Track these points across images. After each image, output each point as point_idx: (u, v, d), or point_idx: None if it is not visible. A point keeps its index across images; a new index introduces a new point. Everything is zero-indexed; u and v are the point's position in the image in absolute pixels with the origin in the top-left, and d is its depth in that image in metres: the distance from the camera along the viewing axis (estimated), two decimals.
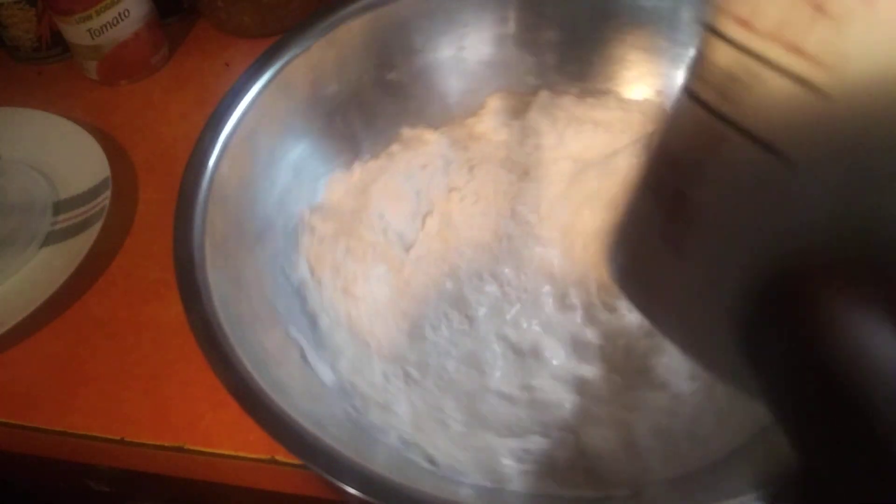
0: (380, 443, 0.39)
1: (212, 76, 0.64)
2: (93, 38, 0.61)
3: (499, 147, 0.52)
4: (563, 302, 0.44)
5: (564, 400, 0.40)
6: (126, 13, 0.60)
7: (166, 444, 0.43)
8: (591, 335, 0.43)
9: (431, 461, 0.38)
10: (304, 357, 0.41)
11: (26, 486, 0.62)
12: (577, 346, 0.42)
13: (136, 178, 0.57)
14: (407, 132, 0.52)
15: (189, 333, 0.35)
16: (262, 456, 0.42)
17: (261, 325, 0.40)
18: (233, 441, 0.42)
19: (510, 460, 0.38)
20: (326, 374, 0.41)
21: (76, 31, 0.60)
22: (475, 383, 0.42)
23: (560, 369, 0.42)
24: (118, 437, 0.44)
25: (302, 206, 0.47)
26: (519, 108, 0.53)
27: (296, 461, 0.41)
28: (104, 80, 0.64)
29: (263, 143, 0.45)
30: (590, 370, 0.41)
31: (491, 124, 0.52)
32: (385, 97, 0.52)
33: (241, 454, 0.42)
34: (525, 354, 0.43)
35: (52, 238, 0.53)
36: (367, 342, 0.43)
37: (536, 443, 0.38)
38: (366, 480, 0.31)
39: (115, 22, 0.60)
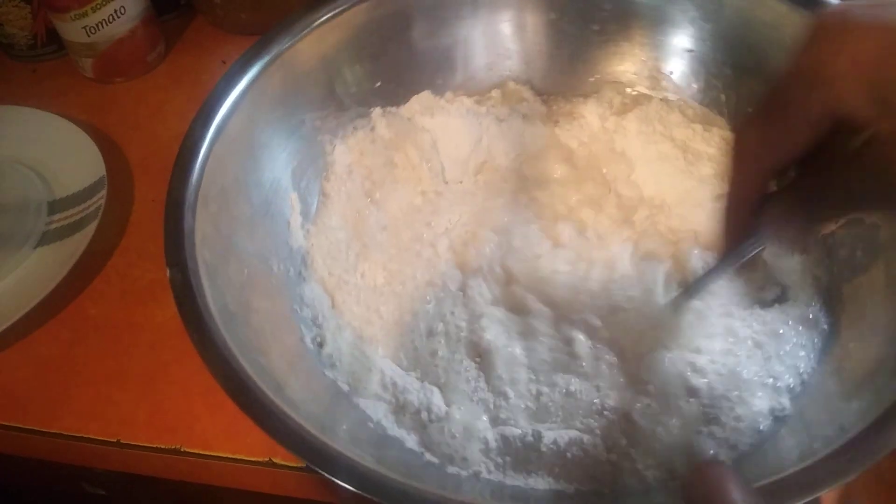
0: (368, 422, 0.39)
1: (208, 74, 0.63)
2: (88, 36, 0.60)
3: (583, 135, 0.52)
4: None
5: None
6: (122, 10, 0.60)
7: (162, 447, 0.43)
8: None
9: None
10: (302, 340, 0.41)
11: (21, 488, 0.62)
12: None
13: (132, 177, 0.57)
14: (512, 85, 0.54)
15: (185, 334, 0.35)
16: (260, 458, 0.41)
17: (259, 311, 0.40)
18: (230, 443, 0.42)
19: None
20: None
21: (72, 29, 0.60)
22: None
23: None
24: (114, 440, 0.43)
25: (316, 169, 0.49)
26: (627, 106, 0.52)
27: (293, 464, 0.41)
28: (100, 77, 0.64)
29: (271, 109, 0.46)
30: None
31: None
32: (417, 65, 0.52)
33: (239, 456, 0.42)
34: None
35: (47, 238, 0.52)
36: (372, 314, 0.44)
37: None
38: (362, 478, 0.30)
39: (110, 19, 0.60)
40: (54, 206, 0.54)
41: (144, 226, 0.53)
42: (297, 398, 0.34)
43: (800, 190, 0.29)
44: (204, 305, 0.35)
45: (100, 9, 0.59)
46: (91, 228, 0.50)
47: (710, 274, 0.39)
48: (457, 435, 0.38)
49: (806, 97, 0.26)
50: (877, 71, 0.24)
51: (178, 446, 0.42)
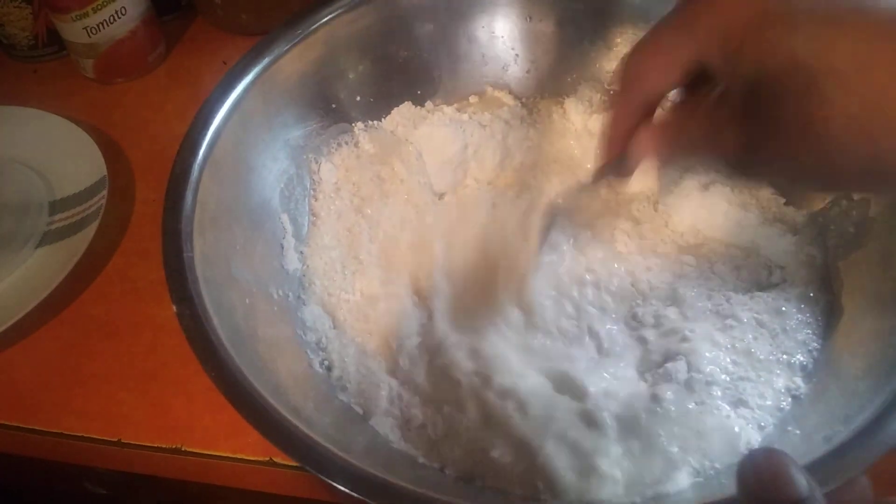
0: (365, 428, 0.39)
1: (209, 74, 0.63)
2: (89, 36, 0.60)
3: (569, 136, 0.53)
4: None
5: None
6: (123, 11, 0.60)
7: (163, 446, 0.43)
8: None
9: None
10: (310, 366, 0.41)
11: (22, 488, 0.62)
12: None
13: (133, 178, 0.57)
14: (491, 91, 0.54)
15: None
16: (260, 458, 0.42)
17: (255, 313, 0.40)
18: (231, 443, 0.42)
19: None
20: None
21: (72, 29, 0.60)
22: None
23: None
24: (115, 439, 0.43)
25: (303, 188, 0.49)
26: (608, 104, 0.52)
27: (293, 463, 0.41)
28: (101, 78, 0.64)
29: (255, 131, 0.46)
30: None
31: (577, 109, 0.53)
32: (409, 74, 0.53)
33: (239, 456, 0.42)
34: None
35: (48, 238, 0.52)
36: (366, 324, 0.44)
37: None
38: (358, 480, 0.30)
39: (111, 20, 0.60)
40: (55, 207, 0.54)
41: (145, 226, 0.53)
42: (315, 423, 0.34)
43: (669, 123, 0.33)
44: (217, 339, 0.35)
45: (101, 9, 0.59)
46: (92, 228, 0.50)
47: (578, 190, 0.42)
48: (464, 448, 0.38)
49: (677, 43, 0.31)
50: (731, 35, 0.28)
51: (179, 446, 0.42)
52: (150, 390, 0.45)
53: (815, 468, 0.29)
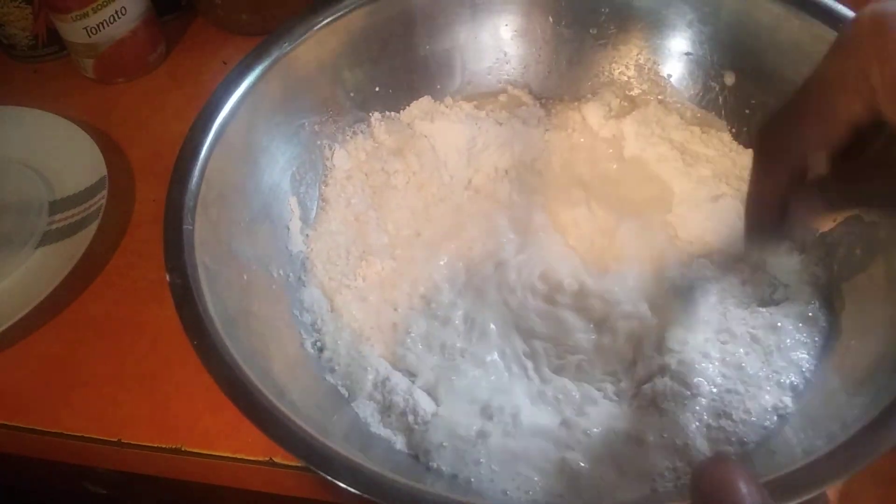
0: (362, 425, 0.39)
1: (209, 74, 0.63)
2: (89, 36, 0.60)
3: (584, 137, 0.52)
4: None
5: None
6: (123, 11, 0.60)
7: (164, 446, 0.43)
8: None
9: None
10: (302, 345, 0.41)
11: (22, 488, 0.62)
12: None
13: (133, 178, 0.57)
14: (511, 89, 0.54)
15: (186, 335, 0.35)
16: (261, 458, 0.42)
17: (259, 310, 0.40)
18: (231, 443, 0.42)
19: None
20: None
21: (73, 29, 0.60)
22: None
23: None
24: (115, 439, 0.43)
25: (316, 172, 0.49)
26: (626, 109, 0.53)
27: (294, 463, 0.41)
28: (101, 78, 0.64)
29: (269, 114, 0.46)
30: None
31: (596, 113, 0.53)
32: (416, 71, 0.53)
33: (240, 456, 0.42)
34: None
35: (48, 238, 0.52)
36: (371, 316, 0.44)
37: None
38: (361, 477, 0.30)
39: (111, 20, 0.60)
40: (55, 207, 0.54)
41: (145, 226, 0.53)
42: (298, 403, 0.35)
43: (825, 186, 0.30)
44: (204, 310, 0.35)
45: (101, 9, 0.59)
46: (92, 228, 0.50)
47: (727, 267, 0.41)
48: (445, 440, 0.38)
49: (841, 102, 0.27)
50: None
51: (178, 446, 0.43)
52: (150, 390, 0.45)
53: (779, 483, 0.29)
